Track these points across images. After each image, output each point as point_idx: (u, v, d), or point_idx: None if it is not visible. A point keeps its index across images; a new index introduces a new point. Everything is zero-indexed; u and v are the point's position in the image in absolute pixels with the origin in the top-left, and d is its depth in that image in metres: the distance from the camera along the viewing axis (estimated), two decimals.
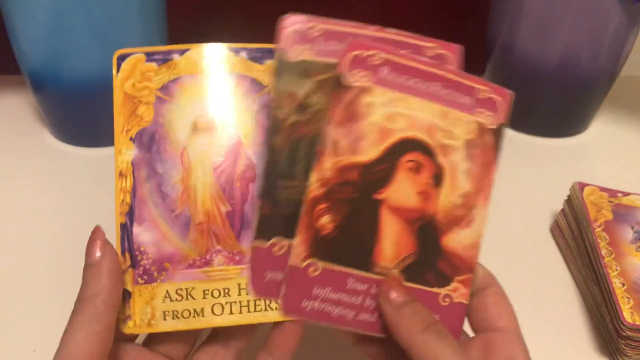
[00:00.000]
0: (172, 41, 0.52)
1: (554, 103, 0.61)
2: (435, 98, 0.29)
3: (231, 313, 0.28)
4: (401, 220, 0.28)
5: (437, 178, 0.28)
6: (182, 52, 0.29)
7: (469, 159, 0.29)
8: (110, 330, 0.25)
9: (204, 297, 0.28)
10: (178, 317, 0.28)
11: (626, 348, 0.36)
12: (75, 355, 0.23)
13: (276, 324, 0.28)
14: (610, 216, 0.43)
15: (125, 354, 0.27)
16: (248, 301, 0.28)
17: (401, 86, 0.28)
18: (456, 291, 0.28)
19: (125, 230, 0.28)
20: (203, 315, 0.28)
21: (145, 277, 0.28)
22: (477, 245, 0.29)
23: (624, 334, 0.36)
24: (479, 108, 0.29)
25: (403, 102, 0.28)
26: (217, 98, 0.29)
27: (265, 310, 0.28)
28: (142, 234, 0.28)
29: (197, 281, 0.28)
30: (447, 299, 0.28)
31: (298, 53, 0.28)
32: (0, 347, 0.37)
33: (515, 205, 0.52)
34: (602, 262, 0.40)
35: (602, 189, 0.45)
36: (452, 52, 0.30)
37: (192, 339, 0.30)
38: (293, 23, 0.28)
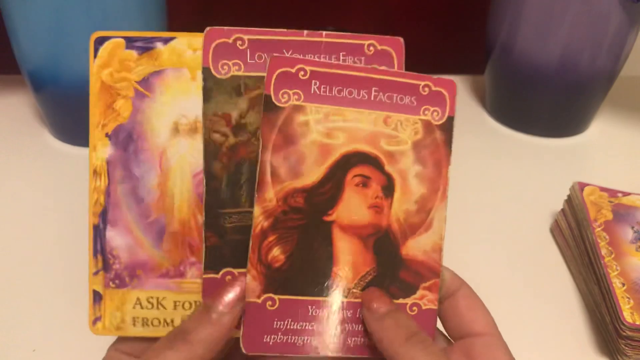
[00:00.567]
0: None
1: (554, 103, 0.61)
2: (374, 105, 0.27)
3: None
4: (355, 238, 0.27)
5: (388, 189, 0.27)
6: (167, 41, 0.27)
7: (419, 162, 0.28)
8: None
9: (175, 308, 0.27)
10: (147, 325, 0.27)
11: (626, 348, 0.36)
12: None
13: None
14: (610, 216, 0.43)
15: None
16: None
17: (335, 98, 0.27)
18: (423, 298, 0.27)
19: (98, 232, 0.27)
20: (173, 326, 0.27)
21: (117, 281, 0.27)
22: (439, 248, 0.28)
23: (624, 334, 0.36)
24: (424, 105, 0.28)
25: (339, 115, 0.27)
26: (201, 97, 0.27)
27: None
28: (115, 238, 0.27)
29: (168, 291, 0.27)
30: (414, 308, 0.27)
31: (227, 69, 0.27)
32: (0, 347, 0.37)
33: (515, 205, 0.52)
34: (602, 262, 0.40)
35: (602, 189, 0.46)
36: (392, 47, 0.28)
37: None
38: (217, 37, 0.27)
